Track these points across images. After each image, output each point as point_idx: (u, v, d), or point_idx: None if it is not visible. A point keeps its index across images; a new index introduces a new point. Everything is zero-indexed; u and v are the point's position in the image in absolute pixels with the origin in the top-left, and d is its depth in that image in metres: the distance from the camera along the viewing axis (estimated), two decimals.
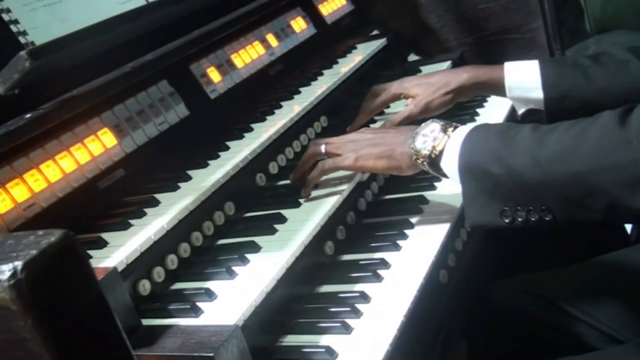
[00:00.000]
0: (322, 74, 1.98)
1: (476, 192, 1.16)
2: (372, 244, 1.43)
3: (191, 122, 1.66)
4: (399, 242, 1.40)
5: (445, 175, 1.27)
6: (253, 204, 1.51)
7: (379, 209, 1.58)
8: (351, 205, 1.53)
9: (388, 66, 2.22)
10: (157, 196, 1.38)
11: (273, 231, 1.37)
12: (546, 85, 1.46)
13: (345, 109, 1.85)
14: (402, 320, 1.17)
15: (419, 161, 1.29)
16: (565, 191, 1.06)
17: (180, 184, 1.43)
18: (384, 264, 1.34)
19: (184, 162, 1.52)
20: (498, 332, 1.50)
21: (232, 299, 1.19)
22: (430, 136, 1.26)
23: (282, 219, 1.40)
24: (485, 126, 1.23)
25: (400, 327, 1.15)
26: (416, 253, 1.35)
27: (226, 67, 1.83)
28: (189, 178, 1.45)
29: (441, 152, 1.24)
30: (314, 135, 1.75)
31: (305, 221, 1.37)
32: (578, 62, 1.45)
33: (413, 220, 1.48)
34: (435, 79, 1.59)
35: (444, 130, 1.25)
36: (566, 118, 1.45)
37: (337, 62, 2.07)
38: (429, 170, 1.29)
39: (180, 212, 1.31)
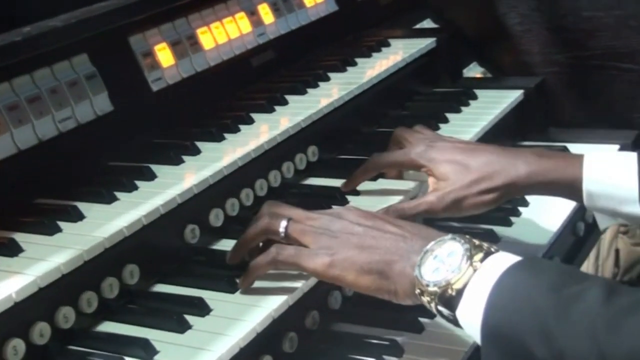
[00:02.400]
0: (327, 79, 1.84)
1: None
2: None
3: (112, 123, 1.51)
4: None
5: (459, 325, 1.11)
6: (171, 272, 1.38)
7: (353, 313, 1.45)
8: (317, 301, 1.38)
9: (432, 80, 2.09)
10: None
11: (183, 327, 1.22)
12: None
13: (348, 140, 1.70)
14: None
15: (423, 298, 1.13)
16: None
17: (62, 225, 1.29)
18: None
19: (80, 189, 1.40)
20: None
21: None
22: (446, 263, 1.10)
23: (203, 309, 1.26)
24: (531, 267, 1.07)
25: None
26: None
27: (186, 45, 1.69)
28: (79, 217, 1.31)
29: (460, 292, 1.08)
30: (292, 175, 1.62)
31: (235, 321, 1.22)
32: None
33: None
34: (477, 163, 1.43)
35: (469, 257, 1.09)
36: None
37: (355, 64, 1.92)
38: (435, 313, 1.13)
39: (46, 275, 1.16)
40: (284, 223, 1.25)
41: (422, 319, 1.39)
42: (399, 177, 1.59)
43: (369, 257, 1.19)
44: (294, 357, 1.33)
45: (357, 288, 1.21)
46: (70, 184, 1.41)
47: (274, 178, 1.57)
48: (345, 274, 1.19)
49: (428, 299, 1.11)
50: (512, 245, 1.55)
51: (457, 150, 1.46)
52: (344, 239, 1.21)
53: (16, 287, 1.13)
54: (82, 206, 1.33)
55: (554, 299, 1.00)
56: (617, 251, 2.73)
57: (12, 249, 1.22)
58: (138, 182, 1.41)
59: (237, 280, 1.30)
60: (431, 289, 1.10)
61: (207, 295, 1.29)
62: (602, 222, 1.44)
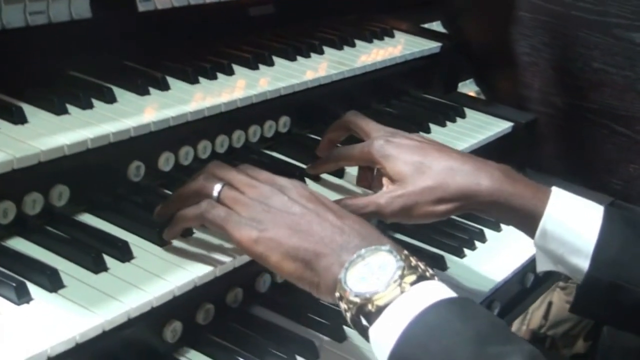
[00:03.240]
0: (321, 52, 1.78)
1: None
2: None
3: (87, 32, 1.43)
4: None
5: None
6: (101, 203, 1.32)
7: (282, 302, 1.38)
8: (244, 279, 1.32)
9: (425, 85, 2.04)
10: None
11: (99, 267, 1.15)
12: (598, 259, 1.24)
13: (323, 121, 1.63)
14: None
15: (341, 303, 1.05)
16: None
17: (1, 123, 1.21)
18: None
19: (33, 90, 1.32)
20: None
21: None
22: (374, 274, 1.03)
23: (125, 254, 1.19)
24: (461, 309, 1.01)
25: None
26: None
27: None
28: (21, 119, 1.24)
29: (379, 310, 1.01)
30: (257, 141, 1.57)
31: (154, 277, 1.15)
32: None
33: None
34: (436, 167, 1.31)
35: (400, 277, 1.02)
36: (601, 310, 1.29)
37: (354, 45, 1.86)
38: (349, 322, 1.07)
39: None
40: (218, 187, 1.18)
41: (346, 328, 1.34)
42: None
43: (299, 242, 1.11)
44: (204, 329, 1.27)
45: (279, 271, 1.13)
46: (22, 82, 1.33)
47: (238, 138, 1.51)
48: (270, 253, 1.12)
49: (346, 306, 1.04)
50: (456, 278, 1.52)
51: (417, 150, 1.35)
52: (277, 217, 1.13)
53: None
54: (28, 109, 1.26)
55: (475, 351, 0.95)
56: (549, 304, 2.72)
57: None
58: (95, 101, 1.33)
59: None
60: (352, 298, 1.03)
61: (133, 241, 1.23)
62: (541, 264, 1.35)
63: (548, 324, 2.74)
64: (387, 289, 1.01)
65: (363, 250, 1.06)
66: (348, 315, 1.05)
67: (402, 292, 1.00)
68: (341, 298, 1.05)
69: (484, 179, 1.30)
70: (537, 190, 1.31)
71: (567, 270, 1.30)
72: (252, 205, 1.15)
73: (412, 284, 1.01)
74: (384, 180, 1.36)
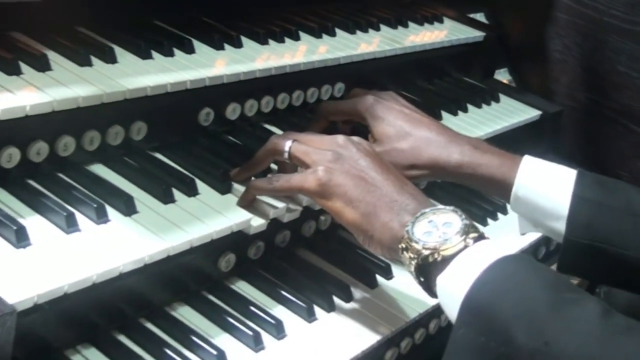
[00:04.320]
0: (378, 29, 1.75)
1: (469, 347, 0.93)
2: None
3: None
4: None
5: (432, 293, 1.03)
6: (174, 142, 1.31)
7: (325, 245, 1.38)
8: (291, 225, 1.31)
9: (466, 68, 1.99)
10: (52, 57, 1.17)
11: (167, 199, 1.15)
12: (573, 221, 1.18)
13: (376, 89, 1.59)
14: None
15: (404, 254, 1.04)
16: None
17: (94, 60, 1.21)
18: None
19: (122, 34, 1.30)
20: None
21: (47, 261, 0.97)
22: (440, 230, 1.01)
23: (191, 189, 1.18)
24: (530, 262, 0.99)
25: None
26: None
27: None
28: (112, 59, 1.23)
29: (446, 260, 1.00)
30: (314, 100, 1.53)
31: (216, 213, 1.15)
32: (633, 203, 1.20)
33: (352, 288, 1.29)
34: (415, 134, 1.29)
35: (465, 232, 1.00)
36: (586, 270, 1.24)
37: (407, 25, 1.83)
38: (410, 272, 1.05)
39: (62, 101, 1.08)
40: (288, 143, 1.16)
41: (378, 277, 1.33)
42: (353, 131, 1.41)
43: (362, 194, 1.08)
44: (254, 263, 1.27)
45: (339, 217, 1.10)
46: (113, 26, 1.32)
47: (297, 97, 1.49)
48: (335, 199, 1.09)
49: (410, 255, 1.02)
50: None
51: (402, 116, 1.31)
52: (345, 166, 1.10)
53: (32, 101, 1.05)
54: (118, 50, 1.25)
55: (551, 295, 0.92)
56: None
57: (42, 64, 1.13)
58: (176, 50, 1.32)
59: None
60: (418, 247, 1.01)
61: (200, 180, 1.22)
62: (523, 227, 1.30)
63: None
64: (454, 242, 0.99)
65: (428, 209, 1.04)
66: (413, 264, 1.02)
67: (466, 246, 0.99)
68: (406, 249, 1.02)
69: (454, 152, 1.27)
70: (506, 159, 1.27)
71: (547, 232, 1.26)
72: (322, 154, 1.12)
73: (475, 240, 1.00)
74: (370, 138, 1.32)
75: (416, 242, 1.01)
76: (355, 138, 1.17)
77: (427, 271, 1.01)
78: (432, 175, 1.30)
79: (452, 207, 1.04)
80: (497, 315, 0.91)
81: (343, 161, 1.11)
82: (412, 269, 1.03)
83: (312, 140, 1.16)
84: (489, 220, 1.62)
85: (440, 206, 1.05)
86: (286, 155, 1.16)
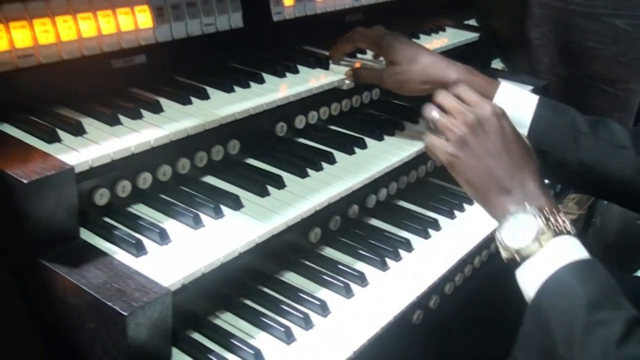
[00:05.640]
0: None
1: (532, 336, 0.90)
2: (361, 251, 1.23)
3: (240, 37, 1.42)
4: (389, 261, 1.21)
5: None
6: (260, 151, 1.30)
7: (385, 212, 1.37)
8: (358, 199, 1.30)
9: (467, 62, 1.84)
10: (163, 102, 1.16)
11: (263, 193, 1.15)
12: (533, 131, 1.19)
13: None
14: None
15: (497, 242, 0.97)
16: None
17: (193, 100, 1.20)
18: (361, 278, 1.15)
19: (210, 77, 1.30)
20: None
21: (185, 252, 0.98)
22: (522, 230, 0.94)
23: (280, 183, 1.19)
24: (586, 272, 0.90)
25: None
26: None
27: None
28: (206, 97, 1.23)
29: (523, 259, 0.94)
30: (359, 104, 1.53)
31: (300, 198, 1.15)
32: (576, 122, 1.20)
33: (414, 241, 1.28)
34: (424, 61, 1.32)
35: (540, 233, 0.93)
36: (548, 173, 1.19)
37: (419, 37, 1.80)
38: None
39: (176, 133, 1.09)
40: (436, 114, 1.08)
41: (431, 231, 1.32)
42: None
43: (481, 176, 1.01)
44: (335, 233, 1.27)
45: (463, 187, 1.05)
46: (202, 72, 1.33)
47: (335, 108, 1.48)
48: (459, 174, 1.04)
49: (499, 246, 0.98)
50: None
51: (413, 45, 1.36)
52: (474, 146, 1.02)
53: (154, 136, 1.07)
54: (209, 90, 1.25)
55: (585, 319, 0.86)
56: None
57: (156, 108, 1.15)
58: (251, 82, 1.32)
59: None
60: (502, 248, 0.97)
61: (285, 176, 1.22)
62: None
63: None
64: (528, 245, 0.93)
65: (513, 211, 0.97)
66: (502, 254, 0.97)
67: (540, 247, 0.93)
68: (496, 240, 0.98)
69: (453, 72, 1.29)
70: (490, 82, 1.28)
71: None
72: (463, 129, 1.04)
73: (551, 237, 0.93)
74: (385, 63, 1.39)
75: (501, 244, 0.96)
76: (495, 112, 1.06)
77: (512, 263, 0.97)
78: (435, 89, 1.22)
79: (533, 209, 0.95)
80: (548, 320, 0.89)
81: (474, 141, 1.03)
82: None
83: (458, 110, 1.06)
84: (456, 212, 1.44)
85: (527, 204, 0.97)
86: (433, 121, 1.08)
